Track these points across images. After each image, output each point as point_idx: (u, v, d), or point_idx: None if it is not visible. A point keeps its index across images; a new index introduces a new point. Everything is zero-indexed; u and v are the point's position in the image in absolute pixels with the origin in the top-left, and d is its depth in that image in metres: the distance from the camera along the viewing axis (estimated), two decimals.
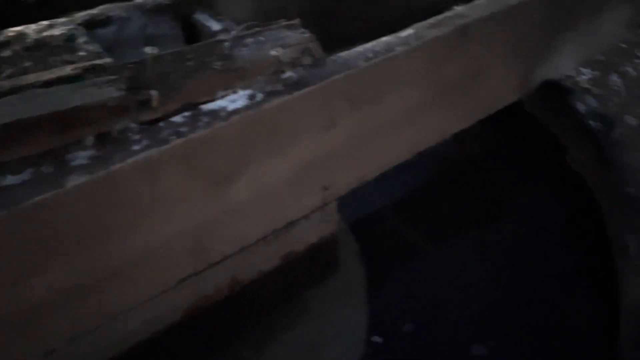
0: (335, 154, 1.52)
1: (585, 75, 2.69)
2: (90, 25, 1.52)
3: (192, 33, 1.66)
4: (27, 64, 1.27)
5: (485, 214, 2.41)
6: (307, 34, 1.37)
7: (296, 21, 1.41)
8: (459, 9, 1.59)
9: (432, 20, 1.54)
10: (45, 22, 1.49)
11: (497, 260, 2.22)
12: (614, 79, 2.84)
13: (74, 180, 1.05)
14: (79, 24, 1.49)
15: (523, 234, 2.32)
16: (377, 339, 1.87)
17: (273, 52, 1.29)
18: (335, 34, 2.17)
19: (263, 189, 1.40)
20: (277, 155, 1.37)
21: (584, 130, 2.00)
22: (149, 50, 1.16)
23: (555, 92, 2.11)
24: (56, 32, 1.43)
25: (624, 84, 2.78)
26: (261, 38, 1.36)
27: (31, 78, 1.14)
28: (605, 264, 1.83)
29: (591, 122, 2.02)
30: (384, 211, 2.42)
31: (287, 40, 1.35)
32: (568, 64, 2.10)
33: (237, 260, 1.49)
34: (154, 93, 1.17)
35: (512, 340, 1.98)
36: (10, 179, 1.04)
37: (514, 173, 2.51)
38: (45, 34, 1.42)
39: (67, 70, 1.17)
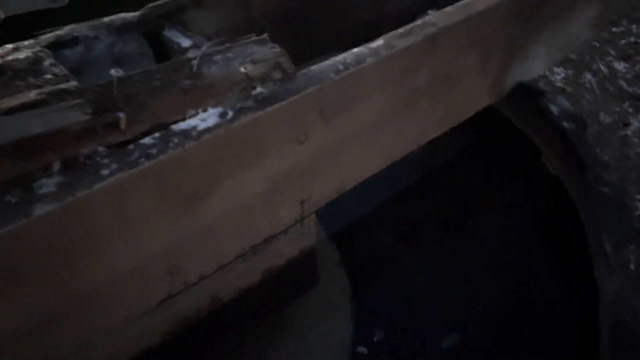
0: (310, 167, 1.51)
1: (559, 75, 2.73)
2: (56, 46, 1.49)
3: (162, 50, 1.64)
4: None
5: (462, 217, 2.42)
6: (277, 49, 1.36)
7: (265, 36, 1.40)
8: (427, 17, 1.59)
9: (401, 30, 1.54)
10: (10, 46, 1.46)
11: (474, 262, 2.24)
12: (588, 77, 2.88)
13: (41, 209, 1.03)
14: (45, 46, 1.46)
15: (499, 235, 2.34)
16: (362, 349, 1.87)
17: (242, 69, 1.28)
18: (306, 43, 2.18)
19: (237, 206, 1.39)
20: (250, 171, 1.35)
21: (558, 132, 2.02)
22: (114, 72, 1.14)
23: (528, 94, 2.13)
24: (21, 55, 1.40)
25: (597, 81, 2.82)
26: (230, 54, 1.34)
27: None
28: (581, 263, 1.85)
29: (564, 123, 2.04)
30: (363, 219, 2.43)
31: (256, 55, 1.34)
32: (539, 66, 2.12)
33: (215, 279, 1.47)
34: (121, 115, 1.15)
35: (484, 334, 2.00)
36: None
37: (490, 176, 2.53)
38: (10, 57, 1.39)
39: (32, 95, 1.14)
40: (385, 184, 2.47)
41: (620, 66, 3.02)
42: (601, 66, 2.98)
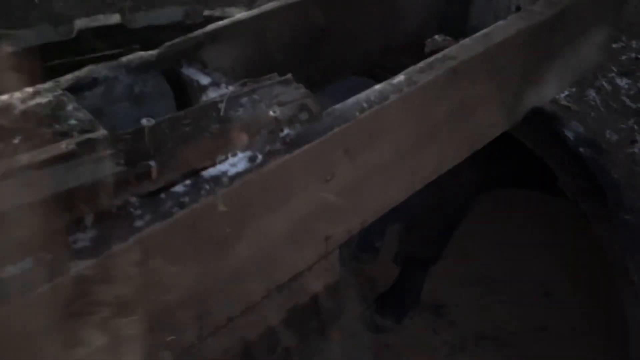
0: (335, 204, 1.50)
1: (563, 93, 2.74)
2: (77, 88, 1.48)
3: (181, 88, 1.63)
4: (16, 139, 1.23)
5: (477, 244, 2.42)
6: (302, 89, 1.36)
7: (289, 76, 1.40)
8: (447, 50, 1.59)
9: (422, 64, 1.55)
10: (29, 89, 1.44)
11: (490, 291, 2.24)
12: (591, 94, 2.90)
13: (76, 266, 1.01)
14: (65, 89, 1.45)
15: (515, 260, 2.34)
16: None
17: (270, 112, 1.27)
18: (317, 71, 2.18)
19: (265, 247, 1.38)
20: (278, 212, 1.35)
21: (574, 157, 2.03)
22: (145, 121, 1.13)
23: (542, 119, 2.14)
24: (43, 100, 1.39)
25: (601, 98, 2.84)
26: (256, 96, 1.34)
27: (25, 159, 1.09)
28: (604, 291, 1.85)
29: (580, 148, 2.05)
30: (378, 246, 2.41)
31: (282, 97, 1.33)
32: (552, 90, 2.14)
33: (243, 319, 1.46)
34: (152, 164, 1.14)
35: None
36: (11, 269, 1.00)
37: (505, 202, 2.53)
38: (32, 103, 1.37)
39: (62, 147, 1.13)
40: (399, 210, 2.47)
41: (622, 82, 3.05)
42: (604, 83, 3.00)
